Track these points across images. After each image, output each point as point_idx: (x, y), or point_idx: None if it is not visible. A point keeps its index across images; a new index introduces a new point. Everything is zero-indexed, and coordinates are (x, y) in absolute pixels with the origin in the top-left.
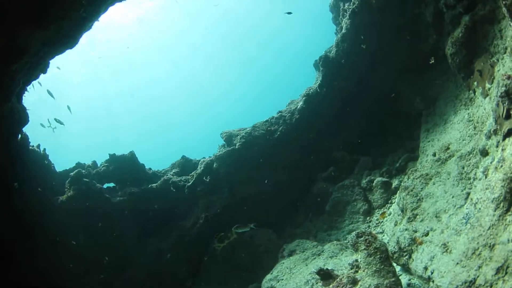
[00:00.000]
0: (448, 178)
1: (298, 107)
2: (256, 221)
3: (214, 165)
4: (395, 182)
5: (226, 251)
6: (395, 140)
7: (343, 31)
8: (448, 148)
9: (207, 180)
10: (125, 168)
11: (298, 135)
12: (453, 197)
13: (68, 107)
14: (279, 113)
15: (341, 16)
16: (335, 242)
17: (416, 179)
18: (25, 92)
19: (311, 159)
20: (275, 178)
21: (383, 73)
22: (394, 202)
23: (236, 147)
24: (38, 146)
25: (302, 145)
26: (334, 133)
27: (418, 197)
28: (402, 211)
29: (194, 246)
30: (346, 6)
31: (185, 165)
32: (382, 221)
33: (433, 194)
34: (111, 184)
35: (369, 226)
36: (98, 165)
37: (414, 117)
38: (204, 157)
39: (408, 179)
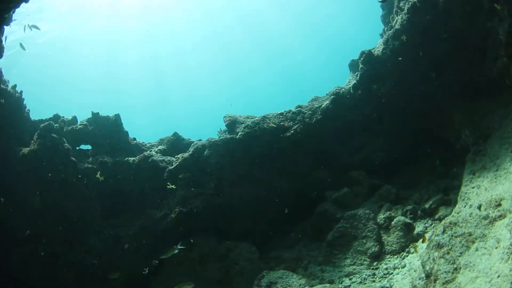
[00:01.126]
0: (496, 247)
1: (323, 106)
2: (241, 231)
3: (206, 152)
4: (419, 227)
5: (192, 260)
6: (428, 174)
7: (397, 26)
8: (499, 204)
9: (192, 168)
10: (105, 131)
11: (315, 139)
12: (499, 276)
13: None
14: (298, 108)
15: (393, 14)
16: (327, 285)
17: (456, 237)
18: None
19: (324, 172)
20: (275, 184)
21: (433, 89)
22: (413, 252)
23: (237, 136)
24: (14, 87)
25: (316, 152)
26: (357, 146)
27: (455, 266)
28: (427, 276)
29: (159, 242)
30: (402, 4)
31: (176, 144)
32: (392, 273)
33: (474, 266)
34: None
35: (374, 274)
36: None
37: (458, 151)
38: (200, 139)
39: (444, 233)
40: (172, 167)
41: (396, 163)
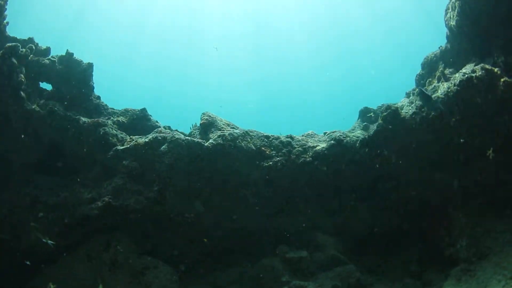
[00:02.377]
0: None
1: (318, 148)
2: (170, 251)
3: (164, 147)
4: None
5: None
6: (400, 266)
7: (440, 95)
8: None
9: (142, 159)
10: (71, 77)
11: (293, 182)
12: None
13: None
14: (288, 139)
15: (433, 78)
16: None
17: None
18: None
19: (288, 220)
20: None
21: (450, 180)
22: None
23: (206, 144)
24: None
25: (289, 197)
26: (337, 206)
27: None
28: None
29: (72, 231)
30: (448, 72)
31: (139, 121)
32: None
33: None
34: None
35: None
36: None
37: (444, 257)
38: (169, 126)
39: None
40: (121, 148)
41: (373, 239)
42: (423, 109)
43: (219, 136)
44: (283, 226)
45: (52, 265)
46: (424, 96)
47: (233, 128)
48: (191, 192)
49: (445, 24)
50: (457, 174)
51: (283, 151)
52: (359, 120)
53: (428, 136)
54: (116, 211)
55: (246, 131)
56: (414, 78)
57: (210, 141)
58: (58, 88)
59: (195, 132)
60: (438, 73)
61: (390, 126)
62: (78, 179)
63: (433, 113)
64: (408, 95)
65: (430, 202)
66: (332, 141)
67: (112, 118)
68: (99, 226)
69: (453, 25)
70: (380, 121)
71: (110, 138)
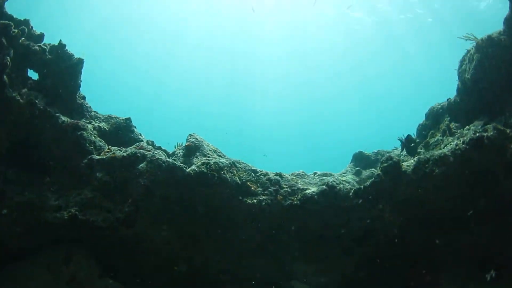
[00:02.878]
0: None
1: (307, 192)
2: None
3: (142, 165)
4: None
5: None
6: None
7: (446, 152)
8: None
9: (115, 175)
10: (59, 70)
11: (272, 227)
12: None
13: None
14: (277, 177)
15: (438, 131)
16: None
17: None
18: None
19: (264, 260)
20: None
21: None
22: None
23: (187, 170)
24: None
25: (268, 242)
26: (320, 256)
27: None
28: None
29: (34, 235)
30: (454, 126)
31: (121, 130)
32: None
33: None
34: None
35: None
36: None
37: None
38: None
39: None
40: (96, 157)
41: None
42: (426, 165)
43: (203, 164)
44: (257, 269)
45: (12, 266)
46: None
47: (220, 156)
48: (165, 219)
49: (458, 76)
50: (455, 236)
51: (270, 189)
52: (351, 163)
53: (428, 194)
54: (81, 225)
55: (233, 162)
56: (416, 127)
57: (193, 167)
58: (44, 79)
59: (179, 153)
60: (443, 126)
61: (389, 179)
62: (48, 182)
63: (437, 171)
64: (403, 145)
65: (419, 261)
66: (324, 186)
67: (93, 122)
68: (63, 236)
69: (468, 78)
70: (379, 172)
71: (87, 144)
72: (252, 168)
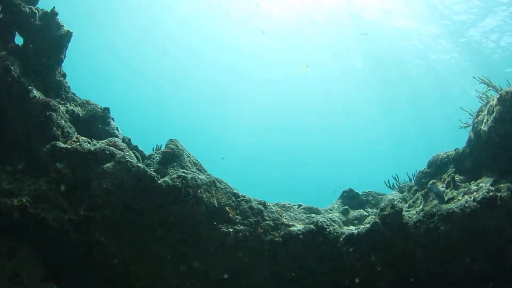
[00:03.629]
0: None
1: (292, 230)
2: None
3: (108, 164)
4: None
5: None
6: None
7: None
8: None
9: (81, 173)
10: (47, 36)
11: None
12: None
13: None
14: (260, 206)
15: (440, 181)
16: None
17: None
18: None
19: None
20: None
21: None
22: None
23: (159, 181)
24: None
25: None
26: None
27: None
28: None
29: None
30: (458, 180)
31: (97, 119)
32: None
33: None
34: None
35: None
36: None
37: None
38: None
39: None
40: (60, 145)
41: None
42: (432, 220)
43: (179, 177)
44: None
45: None
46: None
47: (200, 170)
48: (125, 232)
49: (472, 126)
50: None
51: (251, 220)
52: (339, 200)
53: (428, 252)
54: (31, 218)
55: (214, 180)
56: (414, 173)
57: (167, 179)
58: (26, 46)
59: (155, 157)
60: (446, 177)
61: (388, 230)
62: (4, 162)
63: (442, 228)
64: (401, 189)
65: None
66: (312, 226)
67: (68, 105)
68: (10, 225)
69: (484, 130)
70: (377, 220)
71: (54, 128)
72: (234, 191)
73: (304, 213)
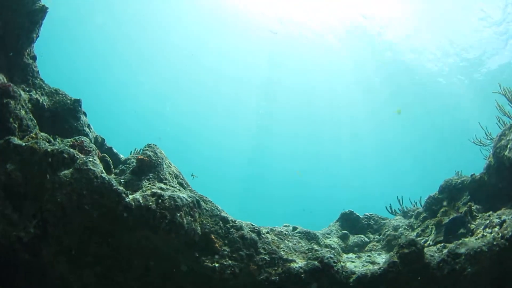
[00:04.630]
0: None
1: (293, 268)
2: None
3: (66, 172)
4: None
5: None
6: None
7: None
8: None
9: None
10: (21, 8)
11: None
12: None
13: None
14: (253, 235)
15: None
16: None
17: None
18: None
19: None
20: None
21: None
22: None
23: (127, 199)
24: None
25: None
26: None
27: None
28: None
29: None
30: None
31: (66, 112)
32: None
33: None
34: None
35: None
36: None
37: None
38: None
39: None
40: (16, 142)
41: None
42: (457, 260)
43: (153, 194)
44: None
45: None
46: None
47: (181, 185)
48: (84, 257)
49: (494, 151)
50: None
51: (242, 253)
52: (337, 223)
53: None
54: None
55: (198, 200)
56: (425, 199)
57: (138, 196)
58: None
59: (131, 163)
60: (460, 206)
61: (407, 271)
62: None
63: (469, 269)
64: (405, 214)
65: None
66: (316, 263)
67: (33, 93)
68: None
69: (508, 156)
70: (395, 259)
71: (11, 120)
72: (222, 215)
73: (300, 238)
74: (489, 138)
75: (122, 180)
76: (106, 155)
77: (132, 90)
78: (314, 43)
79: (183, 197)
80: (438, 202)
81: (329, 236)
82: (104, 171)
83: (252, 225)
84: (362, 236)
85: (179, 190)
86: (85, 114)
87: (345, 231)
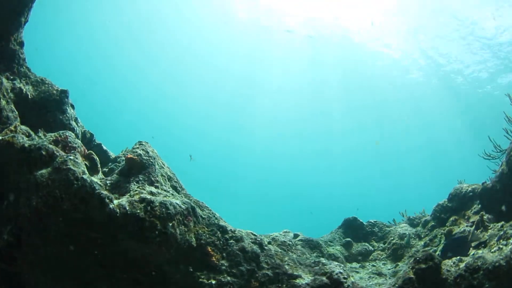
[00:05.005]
0: None
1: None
2: None
3: (43, 171)
4: None
5: None
6: None
7: None
8: None
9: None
10: None
11: None
12: None
13: None
14: (257, 248)
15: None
16: None
17: None
18: None
19: None
20: None
21: None
22: None
23: (111, 205)
24: None
25: None
26: None
27: None
28: None
29: None
30: None
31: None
32: None
33: None
34: None
35: None
36: None
37: None
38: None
39: None
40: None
41: None
42: (475, 276)
43: (142, 200)
44: None
45: None
46: None
47: (175, 188)
48: (63, 268)
49: (507, 159)
50: None
51: (242, 268)
52: (340, 230)
53: None
54: None
55: (193, 206)
56: (433, 207)
57: (124, 202)
58: None
59: (121, 161)
60: (471, 215)
61: (423, 286)
62: None
63: (487, 285)
64: (411, 221)
65: None
66: (324, 279)
67: (17, 81)
68: None
69: None
70: (411, 275)
71: None
72: (220, 224)
73: (303, 247)
74: (498, 151)
75: (108, 182)
76: (93, 153)
77: (132, 86)
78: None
79: (176, 203)
80: (447, 210)
81: (331, 244)
82: (86, 172)
83: (253, 234)
84: (366, 244)
85: (172, 194)
86: (72, 106)
87: (349, 239)
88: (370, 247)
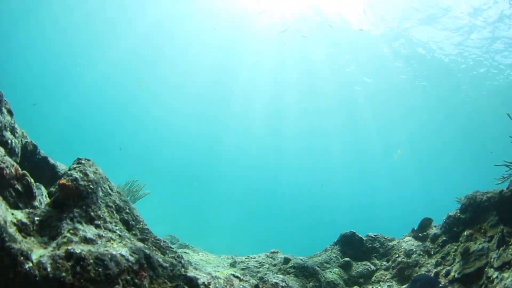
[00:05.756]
0: None
1: None
2: None
3: None
4: None
5: None
6: None
7: None
8: None
9: None
10: None
11: None
12: None
13: None
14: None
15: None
16: None
17: None
18: None
19: None
20: None
21: None
22: None
23: (28, 266)
24: None
25: None
26: None
27: None
28: None
29: None
30: None
31: None
32: None
33: None
34: None
35: None
36: None
37: None
38: None
39: None
40: None
41: None
42: None
43: (69, 257)
44: None
45: None
46: None
47: (127, 224)
48: None
49: None
50: None
51: None
52: (337, 247)
53: None
54: None
55: (149, 255)
56: (443, 218)
57: (44, 258)
58: None
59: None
60: (488, 228)
61: None
62: None
63: None
64: (416, 234)
65: None
66: None
67: None
68: None
69: None
70: None
71: None
72: (188, 275)
73: (296, 276)
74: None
75: (37, 219)
76: (27, 174)
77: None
78: None
79: (122, 255)
80: (459, 223)
81: (328, 265)
82: (3, 207)
83: (236, 278)
84: (368, 264)
85: (120, 236)
86: (10, 112)
87: (347, 259)
88: (372, 266)
